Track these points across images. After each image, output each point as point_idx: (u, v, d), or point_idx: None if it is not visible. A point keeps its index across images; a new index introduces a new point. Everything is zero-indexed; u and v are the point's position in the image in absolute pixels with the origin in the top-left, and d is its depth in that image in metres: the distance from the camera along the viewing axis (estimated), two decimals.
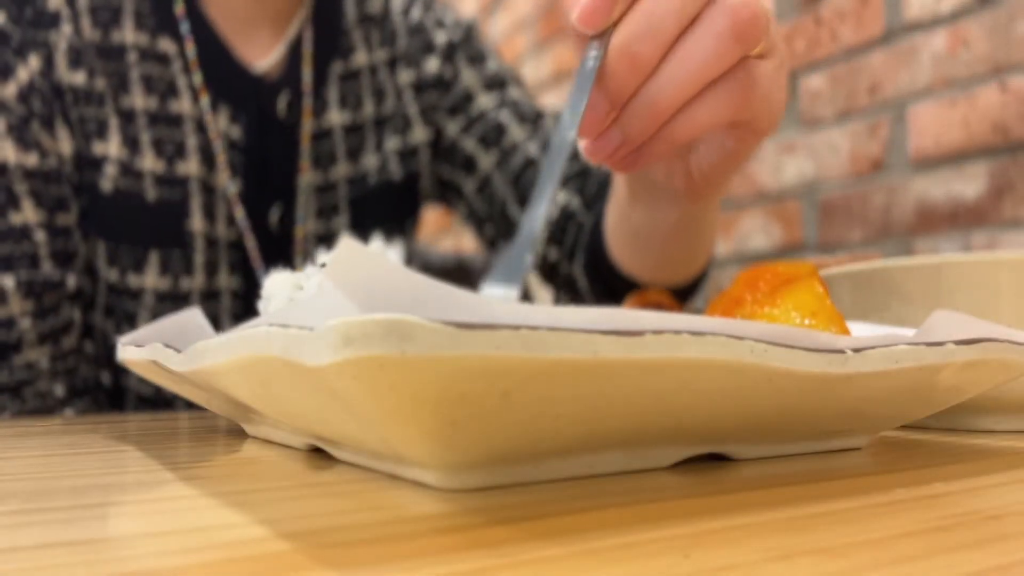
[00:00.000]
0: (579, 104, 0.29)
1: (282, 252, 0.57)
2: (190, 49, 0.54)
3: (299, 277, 0.32)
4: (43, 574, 0.13)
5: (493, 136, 0.61)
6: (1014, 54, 0.68)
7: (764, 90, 0.31)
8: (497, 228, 0.62)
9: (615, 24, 0.29)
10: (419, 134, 0.62)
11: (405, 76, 0.62)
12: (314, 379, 0.18)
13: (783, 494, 0.19)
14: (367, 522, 0.16)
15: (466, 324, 0.15)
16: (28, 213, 0.50)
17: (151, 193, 0.53)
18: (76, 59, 0.51)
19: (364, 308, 0.16)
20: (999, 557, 0.14)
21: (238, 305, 0.56)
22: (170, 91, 0.54)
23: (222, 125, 0.55)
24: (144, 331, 0.31)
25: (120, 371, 0.55)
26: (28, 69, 0.50)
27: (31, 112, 0.50)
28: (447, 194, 0.66)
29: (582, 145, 0.32)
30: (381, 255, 0.17)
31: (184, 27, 0.55)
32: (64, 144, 0.52)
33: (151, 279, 0.53)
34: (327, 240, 0.59)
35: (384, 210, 0.61)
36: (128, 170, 0.52)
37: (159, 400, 0.56)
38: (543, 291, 0.32)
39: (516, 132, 0.61)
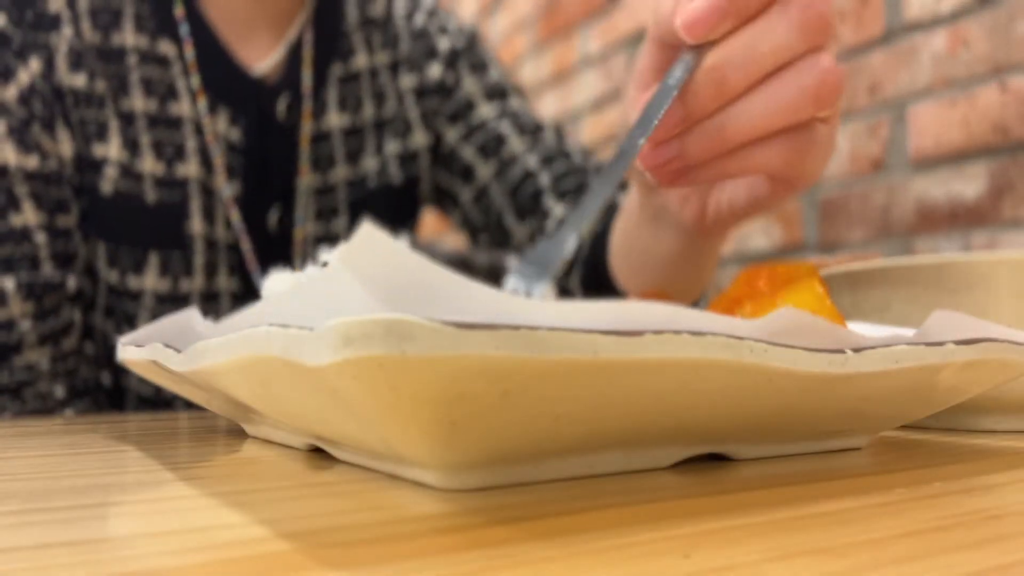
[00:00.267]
0: (657, 112, 0.29)
1: (281, 254, 0.57)
2: (189, 51, 0.54)
3: (299, 277, 0.32)
4: (43, 574, 0.13)
5: (492, 146, 0.61)
6: (1014, 54, 0.68)
7: (818, 152, 0.31)
8: (492, 238, 0.62)
9: (713, 41, 0.29)
10: (419, 139, 0.62)
11: (407, 80, 0.62)
12: (314, 379, 0.18)
13: (783, 494, 0.19)
14: (367, 522, 0.16)
15: (466, 324, 0.15)
16: (29, 215, 0.50)
17: (151, 195, 0.53)
18: (76, 61, 0.52)
19: (375, 294, 0.16)
20: (999, 557, 0.14)
21: (237, 307, 0.56)
22: (170, 93, 0.54)
23: (221, 127, 0.55)
24: (144, 331, 0.31)
25: (120, 372, 0.55)
26: (29, 71, 0.50)
27: (32, 114, 0.50)
28: (443, 201, 0.66)
29: None
30: (398, 244, 0.17)
31: (183, 29, 0.55)
32: (64, 146, 0.52)
33: (151, 280, 0.53)
34: (326, 242, 0.59)
35: (383, 213, 0.61)
36: (128, 172, 0.52)
37: (159, 400, 0.56)
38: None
39: (516, 143, 0.61)
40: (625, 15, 1.16)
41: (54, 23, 0.51)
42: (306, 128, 0.58)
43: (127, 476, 0.23)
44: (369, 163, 0.61)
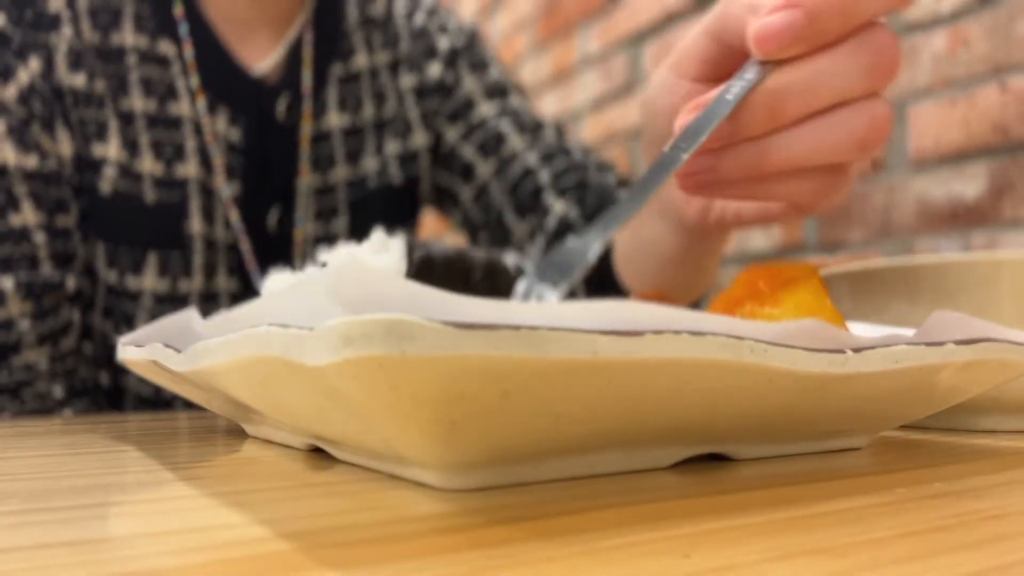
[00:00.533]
0: (707, 127, 0.28)
1: (281, 254, 0.57)
2: (188, 51, 0.54)
3: (299, 277, 0.32)
4: (43, 574, 0.13)
5: (492, 144, 0.61)
6: (1014, 54, 0.68)
7: (843, 191, 0.31)
8: (492, 236, 0.62)
9: (778, 61, 0.28)
10: (419, 139, 0.62)
11: (407, 80, 0.62)
12: (314, 379, 0.18)
13: (783, 494, 0.19)
14: (367, 522, 0.16)
15: (466, 324, 0.15)
16: (28, 215, 0.50)
17: (150, 195, 0.53)
18: (76, 61, 0.52)
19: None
20: (999, 557, 0.14)
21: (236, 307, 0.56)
22: (169, 93, 0.54)
23: (221, 127, 0.55)
24: (144, 331, 0.31)
25: (119, 372, 0.55)
26: (28, 71, 0.50)
27: (31, 114, 0.50)
28: (443, 201, 0.65)
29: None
30: (377, 270, 0.17)
31: (183, 29, 0.55)
32: (64, 146, 0.52)
33: (150, 281, 0.53)
34: (326, 242, 0.59)
35: (383, 213, 0.61)
36: (127, 172, 0.52)
37: (158, 400, 0.56)
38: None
39: (516, 141, 0.61)
40: (625, 15, 1.16)
41: (54, 23, 0.51)
42: (306, 128, 0.58)
43: (127, 476, 0.23)
44: (369, 163, 0.61)
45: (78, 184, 0.52)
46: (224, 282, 0.55)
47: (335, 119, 0.59)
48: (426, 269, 0.35)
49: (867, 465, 0.24)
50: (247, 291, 0.56)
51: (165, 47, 0.54)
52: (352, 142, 0.60)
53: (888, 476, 0.22)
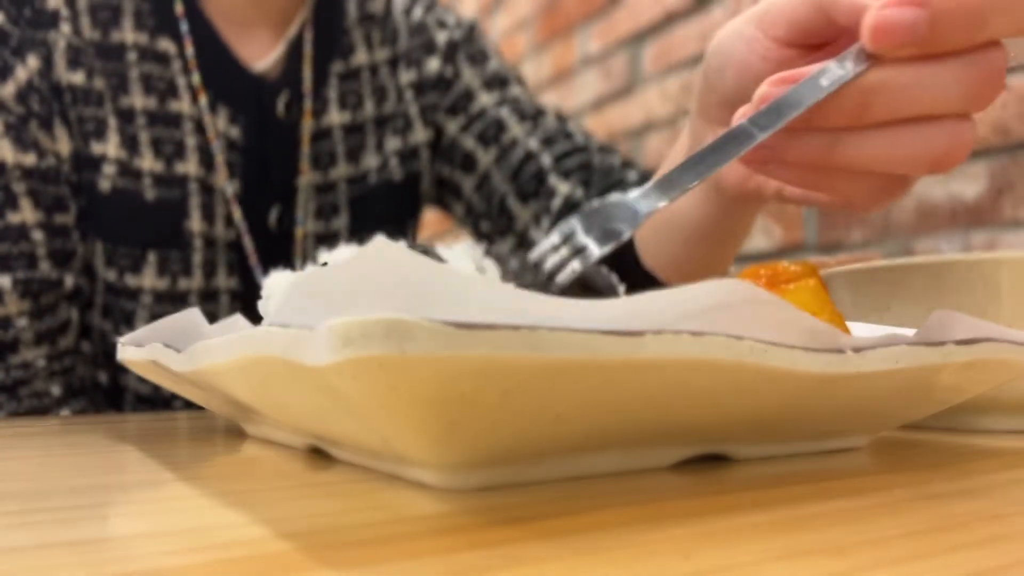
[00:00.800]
0: (795, 110, 0.26)
1: (282, 252, 0.57)
2: (189, 49, 0.54)
3: (299, 276, 0.32)
4: (43, 574, 0.13)
5: (492, 133, 0.61)
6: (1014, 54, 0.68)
7: (898, 198, 0.30)
8: (495, 223, 0.62)
9: (879, 60, 0.26)
10: (420, 135, 0.62)
11: (406, 76, 0.62)
12: (314, 379, 0.18)
13: (783, 494, 0.19)
14: (367, 522, 0.16)
15: (466, 324, 0.15)
16: (26, 213, 0.50)
17: (150, 193, 0.53)
18: (75, 59, 0.51)
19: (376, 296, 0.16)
20: (999, 557, 0.14)
21: (236, 306, 0.56)
22: (169, 91, 0.54)
23: (221, 125, 0.55)
24: (144, 331, 0.31)
25: (118, 371, 0.55)
26: (27, 69, 0.50)
27: (30, 112, 0.50)
28: (444, 195, 0.65)
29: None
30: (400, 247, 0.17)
31: (183, 27, 0.54)
32: (63, 144, 0.52)
33: (149, 279, 0.53)
34: (327, 240, 0.59)
35: (384, 210, 0.61)
36: (127, 170, 0.52)
37: (157, 399, 0.56)
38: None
39: (516, 129, 0.60)
40: (625, 15, 1.16)
41: (53, 20, 0.51)
42: (306, 126, 0.58)
43: (127, 476, 0.23)
44: (370, 160, 0.60)
45: (77, 182, 0.52)
46: (224, 280, 0.55)
47: (335, 116, 0.59)
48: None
49: (867, 465, 0.24)
50: (247, 289, 0.56)
51: (165, 44, 0.54)
52: (352, 139, 0.60)
53: (888, 476, 0.22)
